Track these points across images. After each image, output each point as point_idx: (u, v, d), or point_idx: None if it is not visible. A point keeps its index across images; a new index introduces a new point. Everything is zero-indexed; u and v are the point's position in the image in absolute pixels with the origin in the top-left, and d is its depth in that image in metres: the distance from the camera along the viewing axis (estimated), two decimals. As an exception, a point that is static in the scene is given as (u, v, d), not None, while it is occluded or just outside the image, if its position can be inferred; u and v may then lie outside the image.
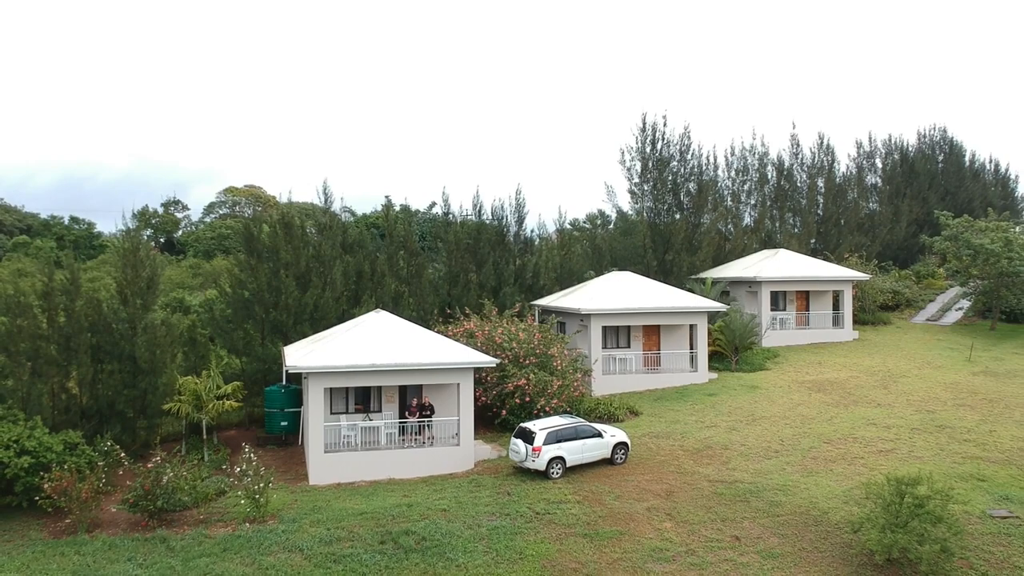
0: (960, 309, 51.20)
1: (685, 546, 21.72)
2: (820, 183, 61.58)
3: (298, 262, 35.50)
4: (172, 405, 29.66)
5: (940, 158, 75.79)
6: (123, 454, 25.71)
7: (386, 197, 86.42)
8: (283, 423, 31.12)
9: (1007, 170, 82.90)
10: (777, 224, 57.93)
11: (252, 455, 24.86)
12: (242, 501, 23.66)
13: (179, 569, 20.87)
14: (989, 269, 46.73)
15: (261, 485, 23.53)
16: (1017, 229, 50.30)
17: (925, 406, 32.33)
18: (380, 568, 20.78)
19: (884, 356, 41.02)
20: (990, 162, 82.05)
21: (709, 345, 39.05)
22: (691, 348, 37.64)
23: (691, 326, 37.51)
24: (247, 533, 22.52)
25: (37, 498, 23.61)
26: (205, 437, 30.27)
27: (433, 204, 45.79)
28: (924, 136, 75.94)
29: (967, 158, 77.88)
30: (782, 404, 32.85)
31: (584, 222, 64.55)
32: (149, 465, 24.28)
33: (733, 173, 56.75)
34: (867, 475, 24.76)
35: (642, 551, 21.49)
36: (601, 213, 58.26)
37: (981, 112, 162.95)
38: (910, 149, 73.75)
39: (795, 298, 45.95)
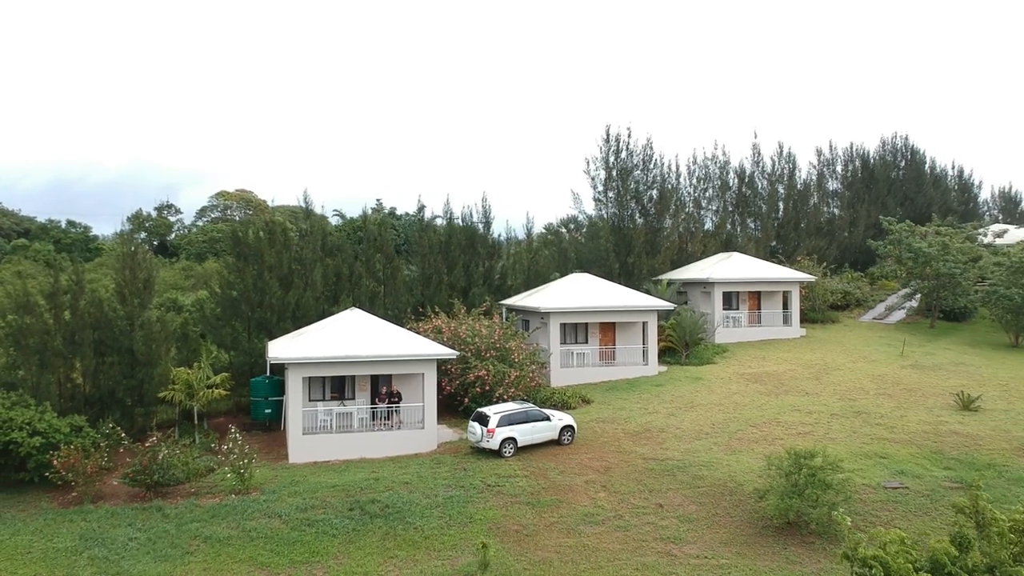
0: (904, 308, 54.66)
1: (614, 512, 25.02)
2: (781, 189, 65.05)
3: (281, 265, 38.72)
4: (166, 393, 32.76)
5: (902, 165, 79.19)
6: (123, 434, 28.95)
7: (377, 200, 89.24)
8: (267, 411, 34.30)
9: (970, 176, 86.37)
10: (738, 228, 61.29)
11: (238, 436, 28.17)
12: (229, 475, 26.95)
13: (173, 532, 24.10)
14: (928, 271, 50.23)
15: (245, 461, 26.81)
16: (961, 235, 53.66)
17: (849, 395, 35.72)
18: (348, 530, 24.05)
19: (824, 351, 44.42)
20: (953, 168, 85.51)
21: (662, 341, 42.46)
22: (643, 343, 40.96)
23: (643, 323, 40.84)
24: (233, 503, 25.75)
25: (47, 473, 26.62)
26: (196, 423, 33.45)
27: (422, 207, 48.98)
28: (886, 143, 79.25)
29: (928, 165, 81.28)
30: (720, 393, 36.22)
31: (559, 226, 67.92)
32: (146, 445, 27.50)
33: (695, 181, 60.15)
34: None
35: (576, 516, 24.79)
36: (574, 218, 61.59)
37: (955, 123, 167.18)
38: (874, 157, 77.13)
39: (747, 298, 49.30)
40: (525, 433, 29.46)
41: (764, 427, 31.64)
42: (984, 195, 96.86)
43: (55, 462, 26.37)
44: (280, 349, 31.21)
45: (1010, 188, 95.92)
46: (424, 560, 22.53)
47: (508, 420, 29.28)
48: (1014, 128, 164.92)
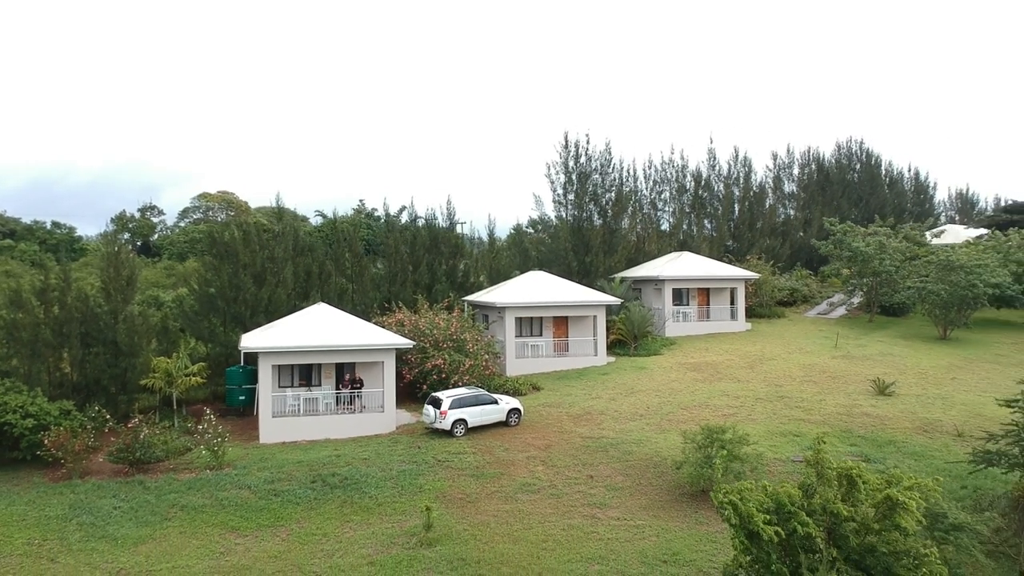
0: (845, 304, 58.11)
1: (550, 482, 28.05)
2: (737, 191, 68.45)
3: (255, 263, 41.58)
4: (148, 381, 35.52)
5: (857, 167, 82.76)
6: (108, 417, 31.79)
7: (360, 201, 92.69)
8: (241, 397, 37.17)
9: (926, 178, 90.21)
10: (694, 228, 64.62)
11: (212, 417, 31.10)
12: (204, 453, 29.86)
13: (153, 502, 26.96)
14: (865, 269, 53.67)
15: (219, 440, 29.72)
16: (900, 234, 57.07)
17: (776, 382, 38.93)
18: (310, 499, 26.99)
19: (764, 343, 47.67)
20: (909, 171, 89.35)
21: (613, 334, 45.62)
22: (594, 336, 44.10)
23: (593, 317, 44.00)
24: (207, 477, 28.63)
25: (39, 452, 29.32)
26: (175, 408, 36.30)
27: (403, 208, 51.88)
28: (842, 147, 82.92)
29: (884, 168, 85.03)
30: (659, 381, 39.39)
31: (527, 227, 71.02)
32: (129, 426, 30.35)
33: (652, 184, 63.48)
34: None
35: (515, 486, 27.80)
36: (541, 219, 64.66)
37: (916, 127, 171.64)
38: (829, 160, 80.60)
39: (696, 294, 52.59)
40: (475, 415, 32.48)
41: (694, 410, 34.79)
42: (941, 196, 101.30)
43: (46, 442, 29.04)
44: (252, 340, 34.14)
45: (967, 189, 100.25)
46: (377, 523, 25.47)
47: (459, 403, 32.30)
48: (972, 131, 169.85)
